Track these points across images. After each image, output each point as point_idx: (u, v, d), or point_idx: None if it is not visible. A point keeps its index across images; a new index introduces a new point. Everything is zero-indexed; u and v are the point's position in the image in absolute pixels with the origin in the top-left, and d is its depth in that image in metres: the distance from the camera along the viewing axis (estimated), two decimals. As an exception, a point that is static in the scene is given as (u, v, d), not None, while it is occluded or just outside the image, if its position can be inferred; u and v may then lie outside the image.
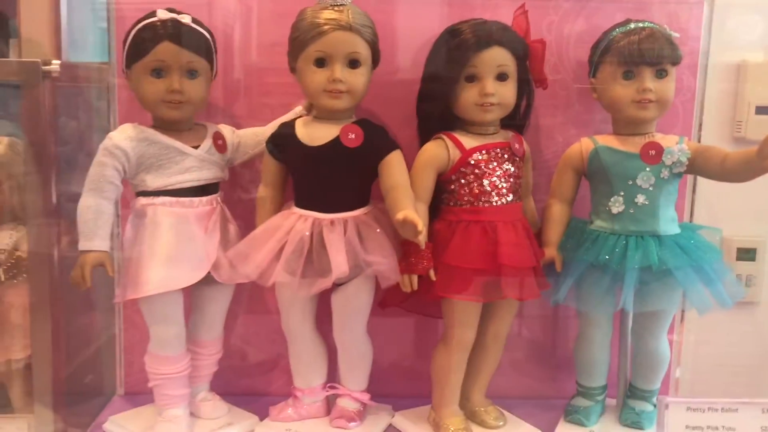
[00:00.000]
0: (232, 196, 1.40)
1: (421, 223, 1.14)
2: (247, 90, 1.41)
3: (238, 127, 1.38)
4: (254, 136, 1.36)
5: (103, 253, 1.22)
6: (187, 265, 1.25)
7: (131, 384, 1.49)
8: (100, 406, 1.45)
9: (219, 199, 1.32)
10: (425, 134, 1.31)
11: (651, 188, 1.27)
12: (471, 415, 1.36)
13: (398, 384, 1.46)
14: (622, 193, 1.28)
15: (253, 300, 1.45)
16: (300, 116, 1.32)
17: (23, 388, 1.44)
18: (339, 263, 1.21)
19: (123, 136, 1.24)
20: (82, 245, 1.21)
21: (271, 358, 1.49)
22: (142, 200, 1.26)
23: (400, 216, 1.14)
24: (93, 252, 1.21)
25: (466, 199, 1.27)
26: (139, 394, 1.44)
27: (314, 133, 1.26)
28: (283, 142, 1.29)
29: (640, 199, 1.27)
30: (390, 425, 1.39)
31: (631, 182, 1.27)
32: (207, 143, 1.29)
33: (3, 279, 1.41)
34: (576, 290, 1.31)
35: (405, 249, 1.24)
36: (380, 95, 1.33)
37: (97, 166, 1.23)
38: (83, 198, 1.23)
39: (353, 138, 1.24)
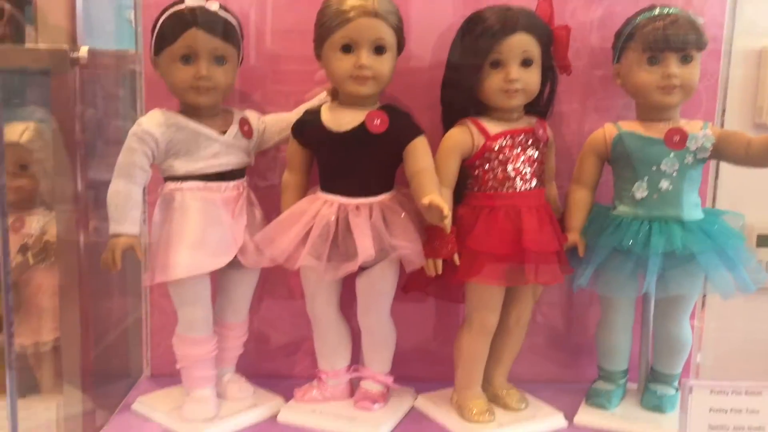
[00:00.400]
0: (249, 182, 1.41)
1: (447, 208, 1.15)
2: (261, 77, 1.41)
3: (255, 113, 1.39)
4: (279, 122, 1.36)
5: (133, 237, 1.23)
6: (214, 249, 1.27)
7: (157, 366, 1.51)
8: (128, 387, 1.47)
9: (245, 184, 1.33)
10: (449, 120, 1.32)
11: (675, 174, 1.27)
12: (493, 398, 1.37)
13: (421, 367, 1.46)
14: (645, 179, 1.28)
15: (277, 284, 1.47)
16: (325, 102, 1.33)
17: (51, 370, 1.47)
18: (365, 247, 1.23)
19: (153, 122, 1.25)
20: (113, 229, 1.23)
21: (295, 340, 1.50)
22: (171, 185, 1.28)
23: (425, 201, 1.15)
24: (123, 236, 1.23)
25: (490, 184, 1.28)
26: (166, 376, 1.46)
27: (340, 119, 1.27)
28: (308, 127, 1.30)
29: (664, 184, 1.27)
30: (413, 407, 1.40)
31: (655, 168, 1.27)
32: (234, 129, 1.30)
33: (32, 263, 1.44)
34: (599, 275, 1.31)
35: (430, 233, 1.25)
36: (402, 81, 1.33)
37: (127, 152, 1.24)
38: (113, 183, 1.24)
39: (379, 123, 1.25)
